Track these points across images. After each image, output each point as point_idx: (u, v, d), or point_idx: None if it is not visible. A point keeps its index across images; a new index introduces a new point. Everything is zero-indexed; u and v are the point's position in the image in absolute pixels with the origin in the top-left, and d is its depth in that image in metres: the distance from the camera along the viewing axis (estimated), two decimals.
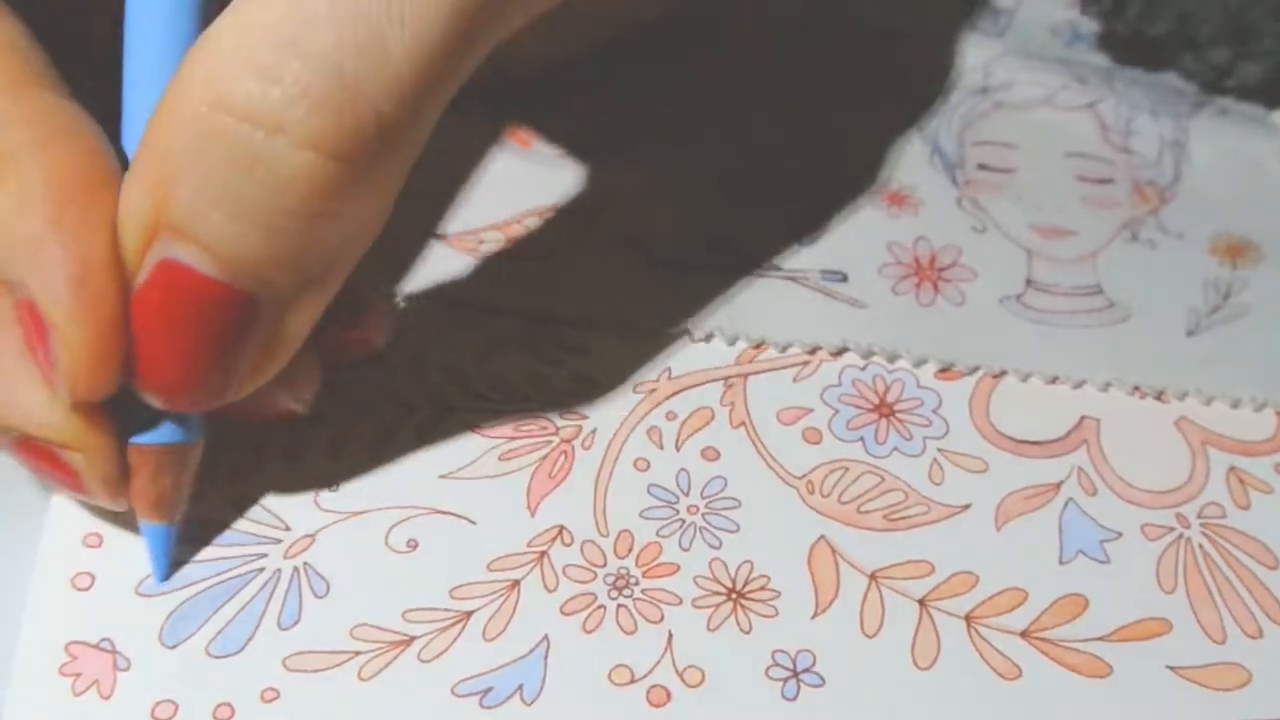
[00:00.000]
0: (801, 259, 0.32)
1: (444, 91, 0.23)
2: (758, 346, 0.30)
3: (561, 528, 0.27)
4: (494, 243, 0.31)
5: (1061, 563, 0.27)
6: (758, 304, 0.31)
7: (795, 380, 0.29)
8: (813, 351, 0.30)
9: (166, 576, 0.26)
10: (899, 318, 0.30)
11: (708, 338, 0.30)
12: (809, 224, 0.32)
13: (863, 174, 0.33)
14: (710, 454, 0.28)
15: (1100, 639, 0.26)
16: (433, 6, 0.21)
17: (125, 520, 0.27)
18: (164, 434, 0.25)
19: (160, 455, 0.25)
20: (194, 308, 0.22)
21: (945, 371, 0.30)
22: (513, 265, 0.31)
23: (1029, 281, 0.31)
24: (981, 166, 0.34)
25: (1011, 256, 0.32)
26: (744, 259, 0.32)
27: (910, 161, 0.34)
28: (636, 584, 0.26)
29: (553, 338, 0.30)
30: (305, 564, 0.26)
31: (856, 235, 0.32)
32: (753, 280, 0.31)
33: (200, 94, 0.21)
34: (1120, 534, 0.27)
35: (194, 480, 0.26)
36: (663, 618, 0.26)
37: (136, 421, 0.25)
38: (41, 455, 0.24)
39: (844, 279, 0.31)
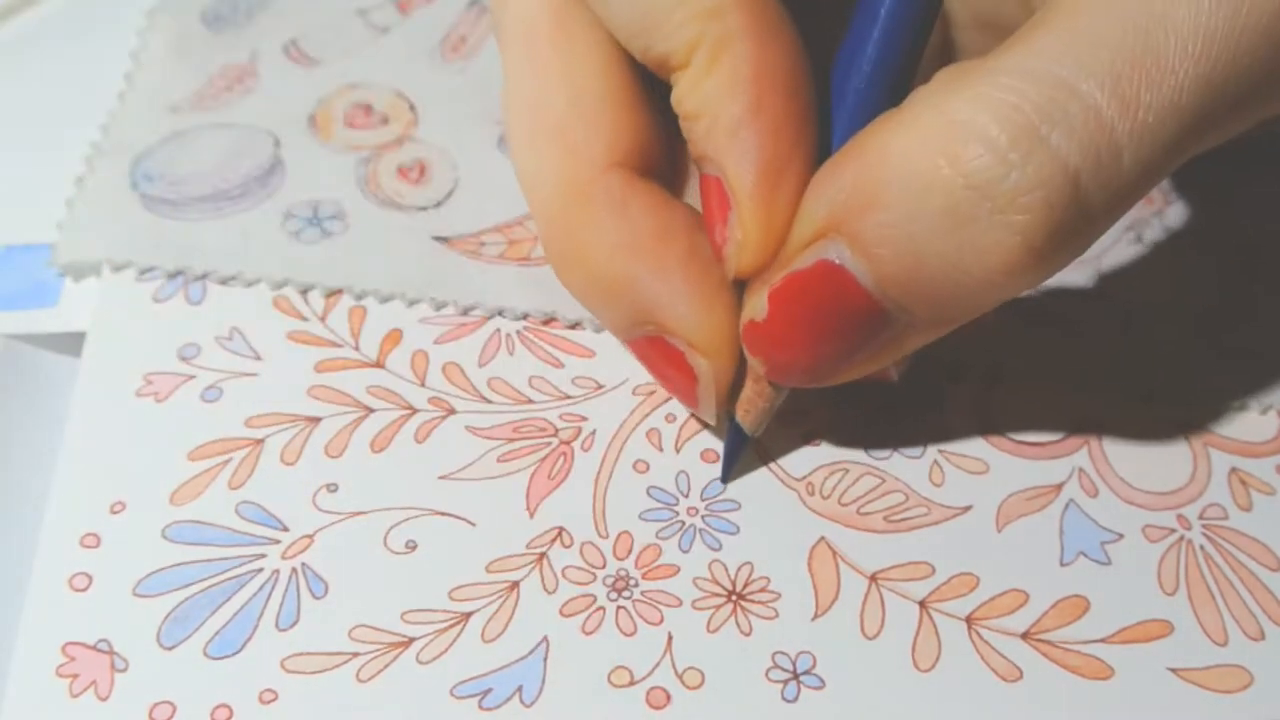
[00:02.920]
0: None
1: (1142, 197, 0.23)
2: None
3: (561, 529, 0.27)
4: (495, 245, 0.31)
5: (1062, 564, 0.27)
6: None
7: None
8: None
9: (727, 479, 0.28)
10: None
11: None
12: None
13: None
14: (710, 456, 0.28)
15: (1101, 641, 0.26)
16: (1168, 122, 0.22)
17: (123, 520, 0.27)
18: None
19: None
20: (836, 308, 0.24)
21: (947, 372, 0.30)
22: (513, 267, 0.31)
23: None
24: None
25: None
26: None
27: None
28: (636, 585, 0.26)
29: (553, 339, 0.30)
30: (303, 565, 0.26)
31: None
32: None
33: (936, 146, 0.22)
34: (1121, 535, 0.27)
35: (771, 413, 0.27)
36: (662, 619, 0.26)
37: None
38: (668, 355, 0.26)
39: None
